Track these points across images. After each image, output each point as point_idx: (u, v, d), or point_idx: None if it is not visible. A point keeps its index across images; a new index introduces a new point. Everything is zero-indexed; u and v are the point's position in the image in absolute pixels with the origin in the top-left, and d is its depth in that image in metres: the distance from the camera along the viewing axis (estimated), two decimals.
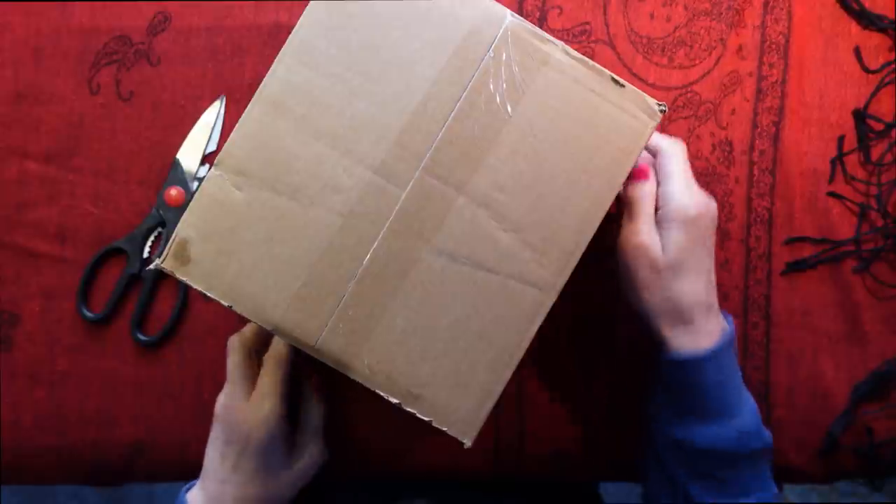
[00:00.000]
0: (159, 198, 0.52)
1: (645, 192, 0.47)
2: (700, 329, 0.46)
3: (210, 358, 0.54)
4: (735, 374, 0.48)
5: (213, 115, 0.52)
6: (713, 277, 0.47)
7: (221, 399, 0.49)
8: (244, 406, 0.48)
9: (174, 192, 0.52)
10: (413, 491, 0.54)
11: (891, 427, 0.56)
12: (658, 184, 0.47)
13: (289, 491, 0.50)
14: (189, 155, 0.53)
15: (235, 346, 0.49)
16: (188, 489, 0.49)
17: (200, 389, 0.55)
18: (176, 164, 0.52)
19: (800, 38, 0.55)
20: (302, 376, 0.52)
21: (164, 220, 0.53)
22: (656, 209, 0.47)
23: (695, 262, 0.46)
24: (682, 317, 0.46)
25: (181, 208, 0.52)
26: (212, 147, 0.53)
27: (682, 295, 0.46)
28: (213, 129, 0.53)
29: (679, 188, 0.45)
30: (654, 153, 0.48)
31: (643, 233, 0.46)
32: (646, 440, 0.52)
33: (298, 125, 0.40)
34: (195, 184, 0.53)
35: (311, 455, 0.51)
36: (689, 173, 0.47)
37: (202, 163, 0.53)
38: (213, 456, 0.49)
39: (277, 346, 0.50)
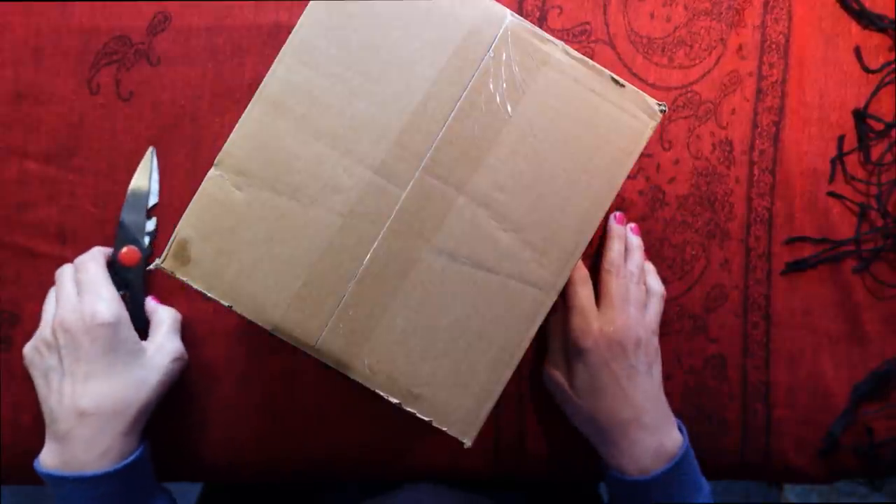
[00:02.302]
0: (114, 260, 0.52)
1: (555, 319, 0.51)
2: (633, 448, 0.47)
3: (210, 358, 0.54)
4: (686, 495, 0.47)
5: (146, 167, 0.52)
6: (636, 393, 0.48)
7: (52, 319, 0.48)
8: (77, 305, 0.47)
9: (126, 250, 0.51)
10: (413, 491, 0.54)
11: (891, 427, 0.56)
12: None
13: (148, 392, 0.48)
14: (133, 212, 0.52)
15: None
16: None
17: (200, 389, 0.54)
18: (122, 224, 0.52)
19: (800, 37, 0.55)
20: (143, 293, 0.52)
21: (126, 282, 0.52)
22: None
23: (603, 385, 0.47)
24: (605, 437, 0.48)
25: (139, 267, 0.52)
26: (153, 200, 0.53)
27: (598, 415, 0.48)
28: (150, 180, 0.52)
29: (576, 320, 0.48)
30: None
31: (551, 362, 0.51)
32: None
33: (298, 125, 0.40)
34: (147, 238, 0.52)
35: (160, 347, 0.50)
36: (591, 301, 0.49)
37: (148, 217, 0.52)
38: (54, 391, 0.47)
39: (92, 252, 0.50)
